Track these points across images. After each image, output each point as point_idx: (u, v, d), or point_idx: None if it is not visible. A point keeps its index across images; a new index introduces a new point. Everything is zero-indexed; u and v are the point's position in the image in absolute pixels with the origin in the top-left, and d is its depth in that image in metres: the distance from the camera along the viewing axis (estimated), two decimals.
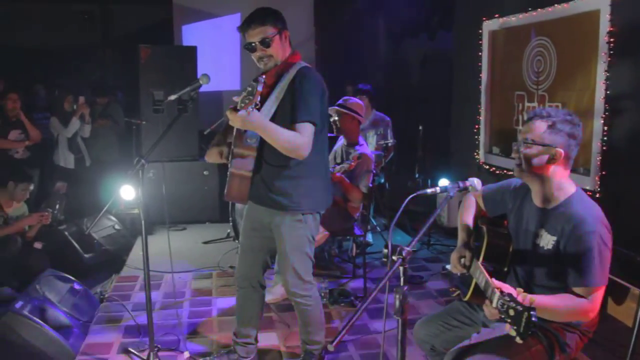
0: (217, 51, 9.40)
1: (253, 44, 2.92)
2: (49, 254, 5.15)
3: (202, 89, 3.19)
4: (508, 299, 1.94)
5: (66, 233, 5.51)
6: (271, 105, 2.91)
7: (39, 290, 3.84)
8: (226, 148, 3.10)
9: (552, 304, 2.18)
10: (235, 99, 2.70)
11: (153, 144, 3.00)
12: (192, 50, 6.89)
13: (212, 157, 3.17)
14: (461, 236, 2.69)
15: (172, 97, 3.16)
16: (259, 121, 2.72)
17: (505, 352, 2.27)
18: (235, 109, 2.66)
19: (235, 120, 2.70)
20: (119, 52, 10.57)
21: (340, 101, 4.78)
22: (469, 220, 2.72)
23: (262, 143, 2.93)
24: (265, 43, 2.90)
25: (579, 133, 2.31)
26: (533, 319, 1.83)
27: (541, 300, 2.12)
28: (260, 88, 2.60)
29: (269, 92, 2.93)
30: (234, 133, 2.98)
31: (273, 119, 2.87)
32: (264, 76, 2.79)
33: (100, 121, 7.28)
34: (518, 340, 1.89)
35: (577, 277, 2.20)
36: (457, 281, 2.65)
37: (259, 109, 2.74)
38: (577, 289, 2.20)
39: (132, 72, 7.09)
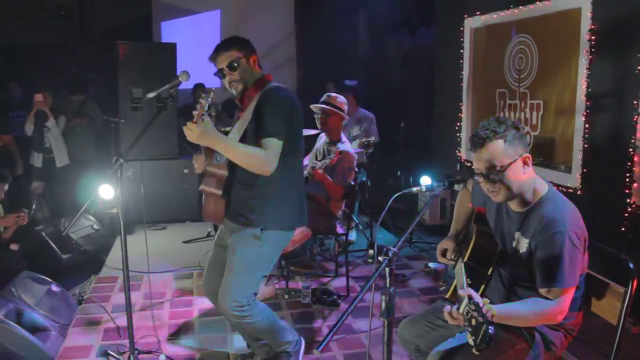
0: (197, 48, 9.29)
1: (222, 70, 2.95)
2: (26, 255, 5.02)
3: (182, 86, 3.13)
4: (473, 308, 1.95)
5: (43, 234, 5.39)
6: (241, 126, 2.91)
7: (15, 293, 3.74)
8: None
9: (517, 312, 2.17)
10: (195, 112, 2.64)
11: (132, 143, 2.96)
12: (172, 47, 6.81)
13: (200, 167, 3.13)
14: (452, 228, 2.71)
15: (151, 95, 3.11)
16: (212, 135, 2.67)
17: (489, 351, 2.25)
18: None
19: (190, 136, 2.66)
20: (96, 48, 10.39)
21: (324, 97, 4.75)
22: (463, 214, 2.72)
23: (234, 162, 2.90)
24: (232, 67, 2.92)
25: (522, 128, 2.28)
26: (490, 331, 1.88)
27: (505, 310, 2.11)
28: (206, 101, 2.58)
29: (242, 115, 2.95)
30: (206, 151, 2.98)
31: (242, 140, 2.87)
32: (211, 92, 2.66)
33: (77, 119, 7.10)
34: (474, 351, 1.93)
35: (544, 278, 2.18)
36: (447, 276, 2.64)
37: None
38: (543, 291, 2.18)
39: (111, 69, 6.96)
